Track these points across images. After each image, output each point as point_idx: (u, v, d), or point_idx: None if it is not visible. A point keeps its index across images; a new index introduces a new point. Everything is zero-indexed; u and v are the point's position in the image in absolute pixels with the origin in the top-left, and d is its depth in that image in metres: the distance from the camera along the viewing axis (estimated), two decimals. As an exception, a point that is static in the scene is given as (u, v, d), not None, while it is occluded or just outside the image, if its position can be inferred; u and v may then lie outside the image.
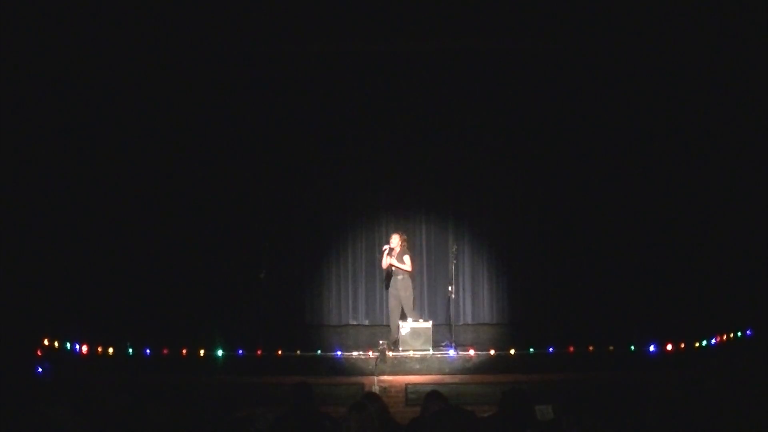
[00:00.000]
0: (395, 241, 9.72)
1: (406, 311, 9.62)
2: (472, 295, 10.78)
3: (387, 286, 9.94)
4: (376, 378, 8.32)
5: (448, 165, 10.84)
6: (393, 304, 9.74)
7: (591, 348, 8.89)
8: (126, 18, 9.29)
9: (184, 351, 8.95)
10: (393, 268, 9.68)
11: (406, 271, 9.68)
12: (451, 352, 8.97)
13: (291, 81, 10.65)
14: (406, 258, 9.68)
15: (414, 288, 9.94)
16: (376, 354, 8.84)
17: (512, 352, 8.97)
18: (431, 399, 4.92)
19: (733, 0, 8.96)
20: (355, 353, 9.06)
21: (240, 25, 9.71)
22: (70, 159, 9.85)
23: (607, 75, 10.25)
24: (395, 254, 9.69)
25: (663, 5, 9.24)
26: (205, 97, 10.40)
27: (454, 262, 9.80)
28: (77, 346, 9.13)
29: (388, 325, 9.87)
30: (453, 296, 9.73)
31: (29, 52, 9.06)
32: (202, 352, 8.96)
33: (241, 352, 9.04)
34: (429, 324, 9.41)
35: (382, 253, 9.81)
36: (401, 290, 9.66)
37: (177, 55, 10.14)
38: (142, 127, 10.20)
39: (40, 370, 8.66)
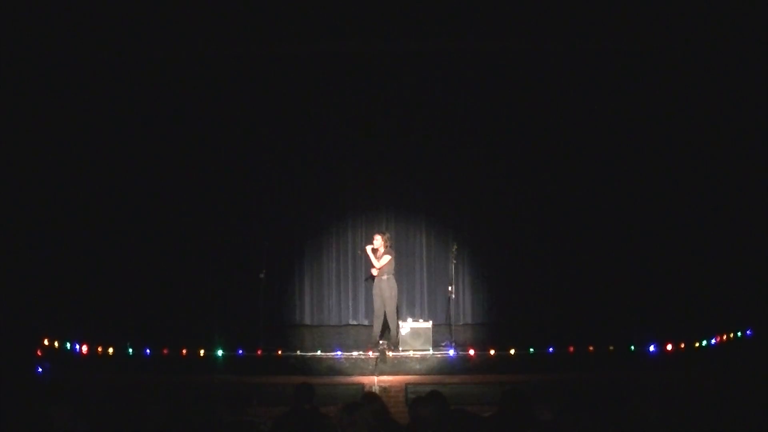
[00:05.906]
0: (378, 241, 9.63)
1: (389, 312, 9.47)
2: (472, 295, 10.76)
3: (371, 287, 9.78)
4: (376, 378, 8.31)
5: (448, 165, 10.81)
6: (378, 305, 9.57)
7: (591, 348, 8.89)
8: (125, 18, 9.28)
9: (184, 351, 8.95)
10: (377, 270, 9.55)
11: (383, 268, 9.49)
12: (451, 352, 8.97)
13: (292, 81, 10.63)
14: (385, 258, 9.52)
15: (399, 291, 9.86)
16: (376, 354, 8.84)
17: (512, 352, 8.97)
18: (429, 401, 4.89)
19: (732, 0, 8.96)
20: (355, 353, 9.06)
21: (243, 26, 9.69)
22: (69, 159, 9.86)
23: (604, 79, 10.26)
24: (379, 255, 9.60)
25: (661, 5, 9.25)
26: (205, 96, 10.41)
27: (454, 262, 9.78)
28: (77, 346, 9.14)
29: (388, 326, 9.81)
30: (453, 296, 9.73)
31: (29, 52, 9.06)
32: (202, 352, 8.97)
33: (241, 352, 9.04)
34: (429, 324, 9.41)
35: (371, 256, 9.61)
36: (386, 290, 9.49)
37: (177, 55, 10.14)
38: (143, 128, 10.21)
39: (40, 370, 8.67)
